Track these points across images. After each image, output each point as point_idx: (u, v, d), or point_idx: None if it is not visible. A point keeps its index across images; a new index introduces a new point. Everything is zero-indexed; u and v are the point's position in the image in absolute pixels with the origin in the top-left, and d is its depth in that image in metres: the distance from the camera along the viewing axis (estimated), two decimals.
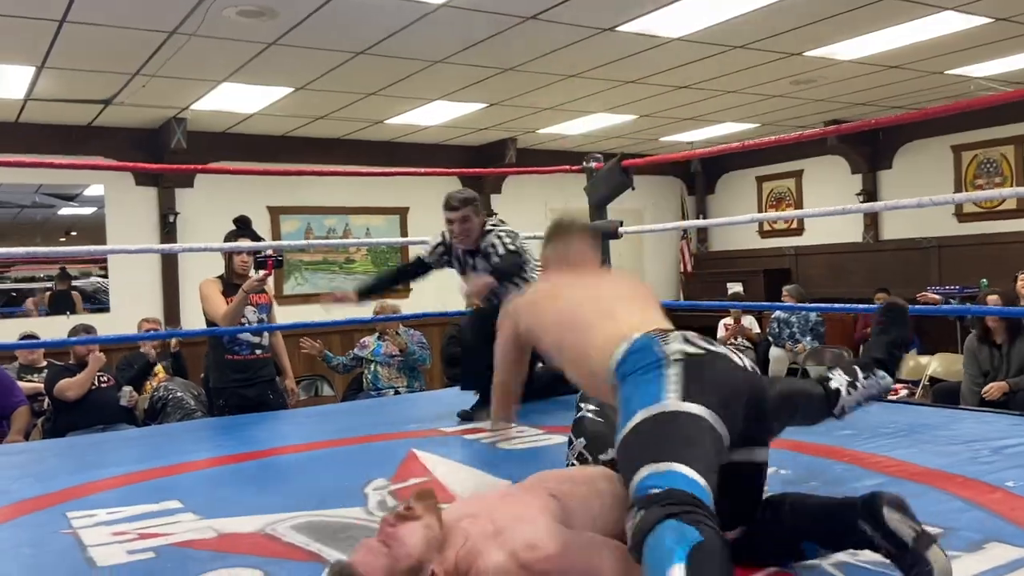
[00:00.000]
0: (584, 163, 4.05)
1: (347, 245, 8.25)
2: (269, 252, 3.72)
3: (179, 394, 4.93)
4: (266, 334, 3.92)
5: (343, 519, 1.99)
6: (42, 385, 4.75)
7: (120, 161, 6.96)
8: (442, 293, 8.01)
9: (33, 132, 6.66)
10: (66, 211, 7.73)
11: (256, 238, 4.08)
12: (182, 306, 7.36)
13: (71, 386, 4.39)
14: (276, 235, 7.77)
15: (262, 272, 3.58)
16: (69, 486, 2.34)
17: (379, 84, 5.84)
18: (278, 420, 3.51)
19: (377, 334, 5.56)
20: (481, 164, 8.55)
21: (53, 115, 6.43)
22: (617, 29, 4.74)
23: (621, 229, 3.94)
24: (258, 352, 3.86)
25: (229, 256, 3.89)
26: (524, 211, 9.11)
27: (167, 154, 6.93)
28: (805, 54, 5.55)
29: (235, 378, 3.79)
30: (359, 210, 8.15)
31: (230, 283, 3.81)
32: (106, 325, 6.63)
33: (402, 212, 8.42)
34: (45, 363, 5.22)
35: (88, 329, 4.77)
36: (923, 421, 2.75)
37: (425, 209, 8.47)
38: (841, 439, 2.45)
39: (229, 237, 3.95)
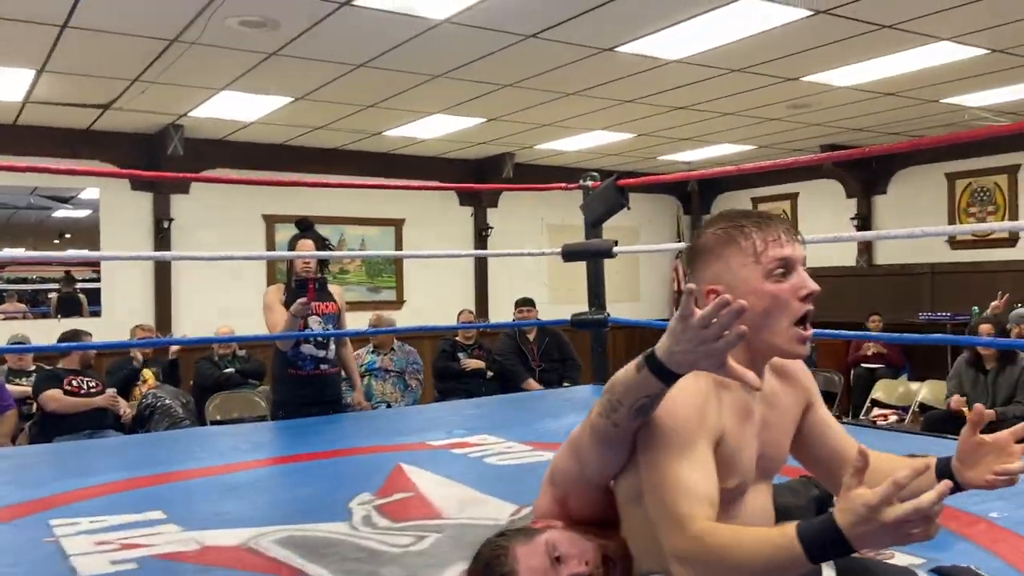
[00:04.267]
0: (581, 181, 4.07)
1: (370, 256, 8.29)
2: (310, 275, 3.68)
3: (167, 402, 4.92)
4: (332, 346, 3.75)
5: (327, 534, 1.98)
6: (30, 389, 4.73)
7: (117, 166, 7.05)
8: (437, 306, 8.07)
9: (31, 135, 6.67)
10: (61, 213, 7.71)
11: (320, 240, 3.95)
12: (174, 312, 7.36)
13: (56, 400, 4.39)
14: (271, 244, 7.78)
15: (302, 299, 3.50)
16: (52, 493, 2.32)
17: (378, 96, 5.86)
18: (266, 431, 3.50)
19: (372, 347, 5.55)
20: (479, 178, 8.58)
21: (52, 118, 6.43)
22: (616, 50, 4.77)
23: (617, 248, 3.95)
24: (323, 367, 3.70)
25: (291, 260, 3.83)
26: (520, 227, 9.17)
27: (164, 160, 6.93)
28: (802, 79, 5.60)
29: (299, 394, 3.64)
30: (355, 220, 8.16)
31: (292, 288, 3.70)
32: (97, 329, 6.64)
33: (397, 224, 8.43)
34: (34, 367, 5.21)
35: (78, 335, 4.75)
36: (909, 448, 2.75)
37: (420, 221, 8.51)
38: None
39: (293, 240, 3.88)
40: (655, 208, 10.30)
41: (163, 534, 1.99)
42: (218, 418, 5.23)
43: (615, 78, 5.39)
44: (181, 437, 3.73)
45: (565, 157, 8.50)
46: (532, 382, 5.68)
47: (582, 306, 8.63)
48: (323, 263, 3.97)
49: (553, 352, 5.90)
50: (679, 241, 10.20)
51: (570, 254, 4.04)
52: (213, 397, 5.38)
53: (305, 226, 4.01)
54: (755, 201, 10.02)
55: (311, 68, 5.09)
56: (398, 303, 8.36)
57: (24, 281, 7.40)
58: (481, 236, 8.78)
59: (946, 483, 0.97)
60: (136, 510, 2.16)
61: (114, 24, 4.21)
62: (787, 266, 1.25)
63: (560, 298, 8.83)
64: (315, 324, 3.70)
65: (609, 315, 4.01)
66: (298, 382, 3.66)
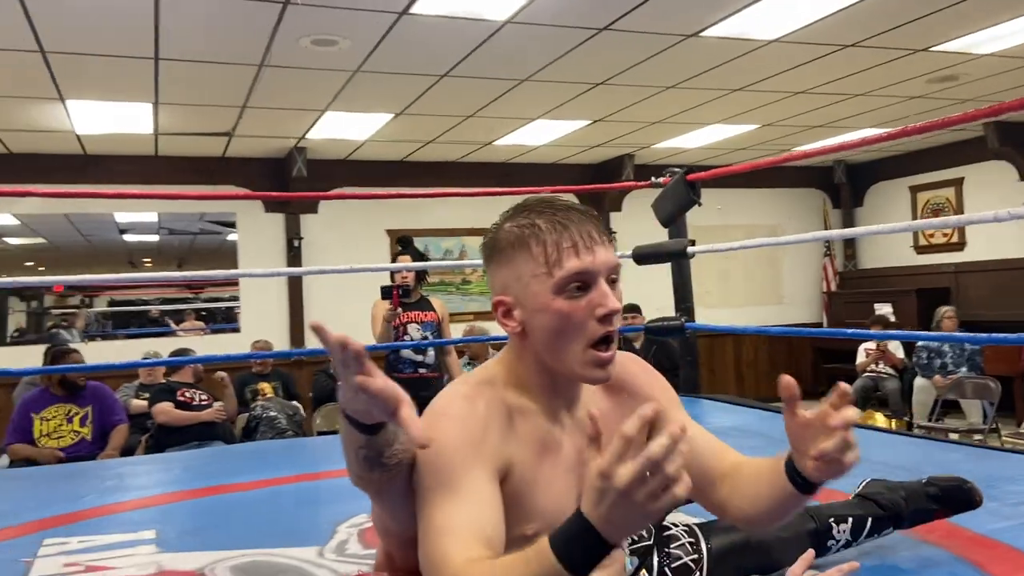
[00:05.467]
0: (652, 179, 3.79)
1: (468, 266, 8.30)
2: (396, 283, 4.13)
3: (272, 413, 5.08)
4: (431, 352, 4.14)
5: (288, 560, 1.89)
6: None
7: (250, 189, 7.48)
8: None
9: (171, 164, 7.20)
10: (235, 237, 8.22)
11: (418, 255, 4.52)
12: (307, 327, 7.68)
13: (165, 413, 4.66)
14: (396, 258, 7.92)
15: (388, 303, 3.98)
16: (75, 510, 2.40)
17: (474, 106, 5.81)
18: (324, 445, 3.50)
19: (467, 358, 5.49)
20: (600, 182, 8.34)
21: (186, 148, 6.91)
22: (702, 35, 4.42)
23: (694, 248, 3.62)
24: (421, 371, 4.10)
25: (393, 274, 4.31)
26: (647, 228, 8.79)
27: (290, 182, 7.27)
28: (932, 49, 4.96)
29: None
30: (475, 231, 8.16)
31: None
32: (237, 345, 7.08)
33: None
34: (164, 381, 5.57)
35: (186, 351, 5.02)
36: (1005, 472, 2.28)
37: None
38: None
39: (395, 256, 4.45)
40: (798, 203, 9.61)
41: (134, 556, 1.97)
42: (324, 429, 5.35)
43: (711, 66, 5.02)
44: (244, 451, 3.82)
45: (688, 155, 8.09)
46: None
47: (713, 309, 8.19)
48: (421, 275, 4.41)
49: (662, 360, 5.55)
50: (826, 240, 9.44)
51: (641, 257, 3.76)
52: (320, 408, 5.52)
53: (405, 243, 4.51)
54: (913, 190, 9.08)
55: (397, 82, 5.12)
56: None
57: (217, 300, 7.98)
58: None
59: (678, 425, 0.78)
60: (130, 530, 2.17)
61: (198, 54, 4.42)
62: (584, 280, 1.03)
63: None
64: (414, 331, 3.98)
65: (685, 321, 3.68)
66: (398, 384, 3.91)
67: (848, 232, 3.76)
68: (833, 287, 9.47)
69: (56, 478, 3.10)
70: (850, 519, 1.51)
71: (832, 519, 1.51)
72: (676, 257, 3.69)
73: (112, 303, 7.80)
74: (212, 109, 5.65)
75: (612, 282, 1.05)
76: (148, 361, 4.72)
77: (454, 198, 7.98)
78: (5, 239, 7.36)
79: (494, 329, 6.68)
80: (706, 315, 8.28)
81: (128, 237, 7.96)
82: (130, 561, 1.93)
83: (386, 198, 7.61)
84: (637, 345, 5.61)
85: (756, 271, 9.24)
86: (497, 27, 4.13)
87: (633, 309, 5.88)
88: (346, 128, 6.39)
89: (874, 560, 1.64)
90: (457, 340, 4.85)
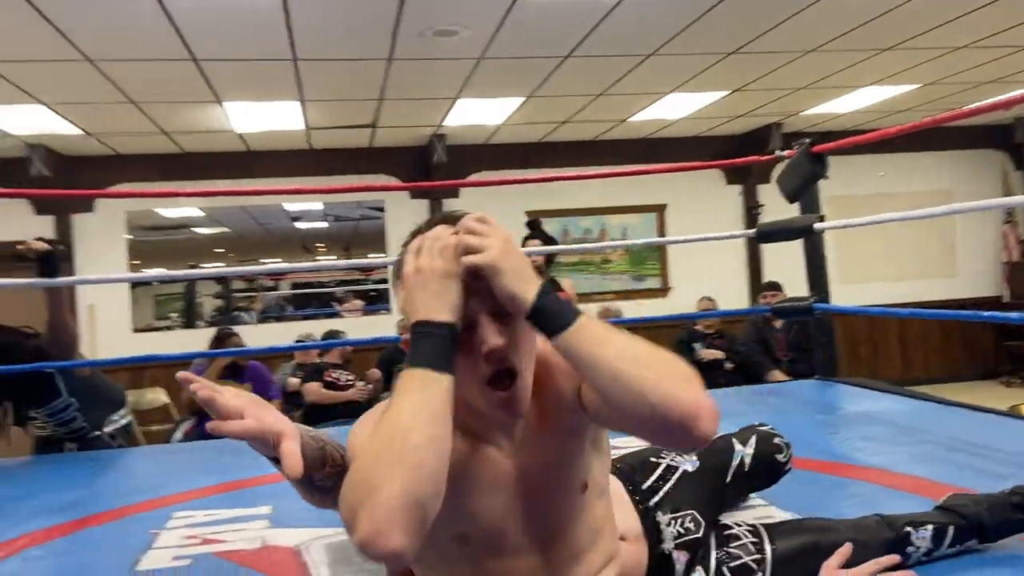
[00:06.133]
0: (776, 152, 3.59)
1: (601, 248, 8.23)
2: None
3: None
4: None
5: None
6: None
7: (395, 176, 7.81)
8: (707, 293, 7.68)
9: (324, 156, 7.63)
10: None
11: (547, 238, 4.60)
12: None
13: (313, 393, 5.00)
14: (524, 241, 7.99)
15: None
16: (210, 484, 2.63)
17: (602, 84, 5.74)
18: None
19: None
20: (746, 153, 7.99)
21: (336, 141, 7.29)
22: None
23: (821, 225, 3.41)
24: None
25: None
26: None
27: (432, 168, 7.50)
28: None
29: None
30: (614, 210, 8.08)
31: None
32: (386, 325, 7.44)
33: (659, 209, 8.19)
34: (317, 362, 5.95)
35: (337, 334, 5.34)
36: None
37: (684, 205, 8.17)
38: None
39: (524, 240, 4.49)
40: (973, 165, 8.77)
41: (246, 531, 2.14)
42: None
43: (853, 26, 4.67)
44: None
45: (843, 120, 7.59)
46: (778, 374, 5.17)
47: (879, 283, 7.80)
48: (550, 257, 4.52)
49: (802, 341, 5.28)
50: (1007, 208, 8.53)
51: (765, 235, 3.59)
52: None
53: (533, 226, 4.70)
54: None
55: (522, 66, 5.14)
56: (663, 291, 8.13)
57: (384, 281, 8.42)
58: (751, 215, 8.18)
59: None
60: (251, 505, 2.36)
61: (330, 52, 4.64)
62: (466, 316, 0.96)
63: (853, 276, 7.91)
64: None
65: (814, 301, 3.48)
66: None
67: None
68: (1015, 257, 8.60)
69: (204, 453, 3.41)
70: (930, 526, 1.40)
71: (908, 525, 1.40)
72: (802, 234, 3.49)
73: (294, 285, 8.37)
74: (353, 103, 5.93)
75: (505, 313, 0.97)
76: (284, 346, 5.03)
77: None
78: (195, 229, 8.11)
79: (628, 310, 6.60)
80: (871, 290, 7.80)
81: (300, 224, 8.49)
82: (240, 535, 2.10)
83: (517, 183, 7.65)
84: (778, 325, 5.37)
85: (926, 242, 8.55)
86: (613, 4, 4.05)
87: (773, 287, 5.63)
88: (480, 114, 6.50)
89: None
90: None
